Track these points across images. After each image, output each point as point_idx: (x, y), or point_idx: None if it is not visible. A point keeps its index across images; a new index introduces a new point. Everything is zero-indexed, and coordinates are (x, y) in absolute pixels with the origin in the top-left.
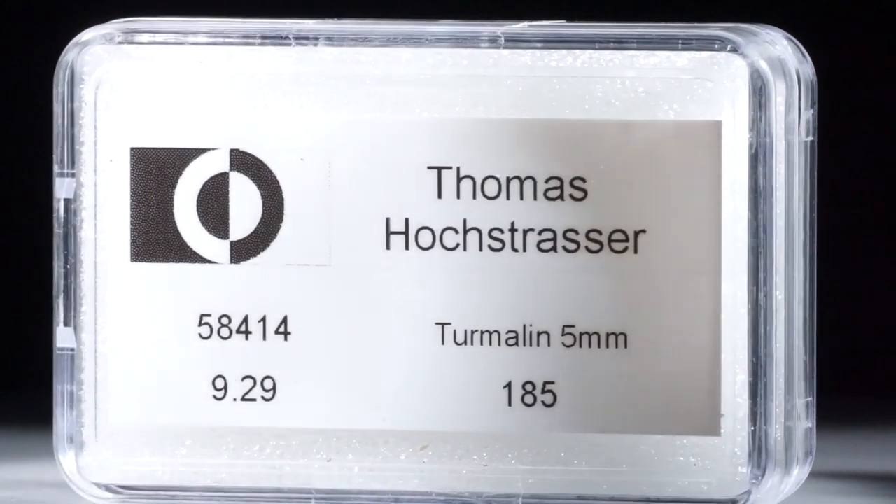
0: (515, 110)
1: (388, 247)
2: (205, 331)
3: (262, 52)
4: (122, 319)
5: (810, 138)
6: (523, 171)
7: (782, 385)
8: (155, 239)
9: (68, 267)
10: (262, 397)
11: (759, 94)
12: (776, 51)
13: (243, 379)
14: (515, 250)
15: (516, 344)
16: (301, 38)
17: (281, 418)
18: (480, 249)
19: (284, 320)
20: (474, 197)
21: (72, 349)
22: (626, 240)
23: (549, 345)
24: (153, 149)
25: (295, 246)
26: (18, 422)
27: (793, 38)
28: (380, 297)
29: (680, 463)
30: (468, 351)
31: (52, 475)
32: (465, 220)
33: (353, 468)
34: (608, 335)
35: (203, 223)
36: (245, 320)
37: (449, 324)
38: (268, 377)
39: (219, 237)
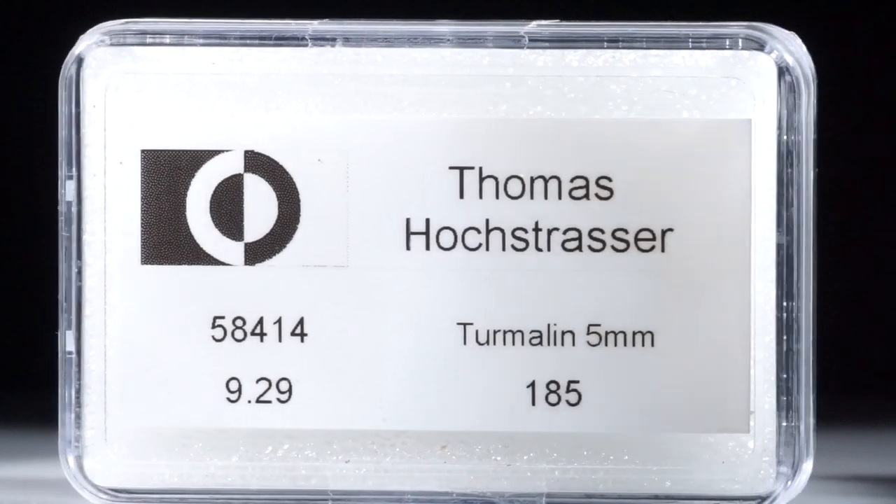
0: (539, 110)
1: (408, 247)
2: (218, 333)
3: (278, 53)
4: (132, 322)
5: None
6: (548, 171)
7: (810, 382)
8: (166, 241)
9: (76, 270)
10: (278, 399)
11: (788, 92)
12: (796, 49)
13: (258, 381)
14: (539, 250)
15: (540, 343)
16: (318, 39)
17: (297, 420)
18: (503, 249)
19: (301, 322)
20: (497, 197)
21: (79, 352)
22: (654, 238)
23: (573, 344)
24: (164, 151)
25: (312, 247)
26: (26, 424)
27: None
28: (399, 298)
29: (707, 461)
30: (491, 351)
31: (65, 480)
32: (487, 220)
33: (371, 469)
34: (635, 334)
35: (217, 225)
36: (260, 322)
37: (471, 324)
38: (283, 379)
39: (233, 239)
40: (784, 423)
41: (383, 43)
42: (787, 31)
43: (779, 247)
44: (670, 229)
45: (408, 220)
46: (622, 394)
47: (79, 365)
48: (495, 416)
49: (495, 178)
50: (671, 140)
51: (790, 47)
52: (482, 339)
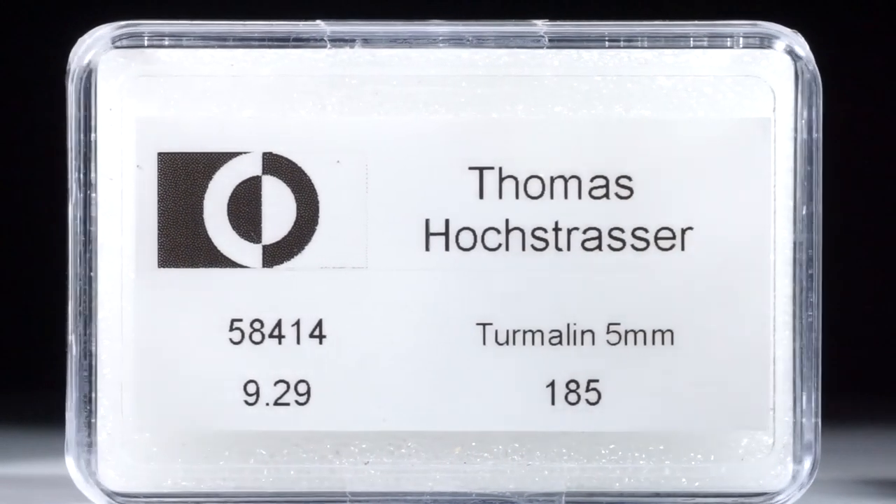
0: (557, 110)
1: (427, 248)
2: (236, 336)
3: (297, 54)
4: (149, 326)
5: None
6: (568, 171)
7: (820, 379)
8: (183, 244)
9: (91, 274)
10: (296, 401)
11: (805, 89)
12: (804, 47)
13: (276, 383)
14: (559, 250)
15: (560, 343)
16: (336, 40)
17: (316, 422)
18: (523, 249)
19: (319, 324)
20: (517, 197)
21: (93, 356)
22: (673, 237)
23: (593, 343)
24: (182, 153)
25: (331, 249)
26: (28, 426)
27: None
28: (419, 299)
29: (726, 457)
30: (510, 351)
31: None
32: (507, 221)
33: (390, 470)
34: (654, 332)
35: (234, 227)
36: (278, 325)
37: (490, 324)
38: (302, 381)
39: (251, 241)
40: (803, 420)
41: (402, 44)
42: (791, 30)
43: (797, 244)
44: (690, 228)
45: (427, 221)
46: (642, 392)
47: (91, 368)
48: (515, 415)
49: (515, 178)
50: (690, 139)
51: (800, 45)
52: (501, 339)
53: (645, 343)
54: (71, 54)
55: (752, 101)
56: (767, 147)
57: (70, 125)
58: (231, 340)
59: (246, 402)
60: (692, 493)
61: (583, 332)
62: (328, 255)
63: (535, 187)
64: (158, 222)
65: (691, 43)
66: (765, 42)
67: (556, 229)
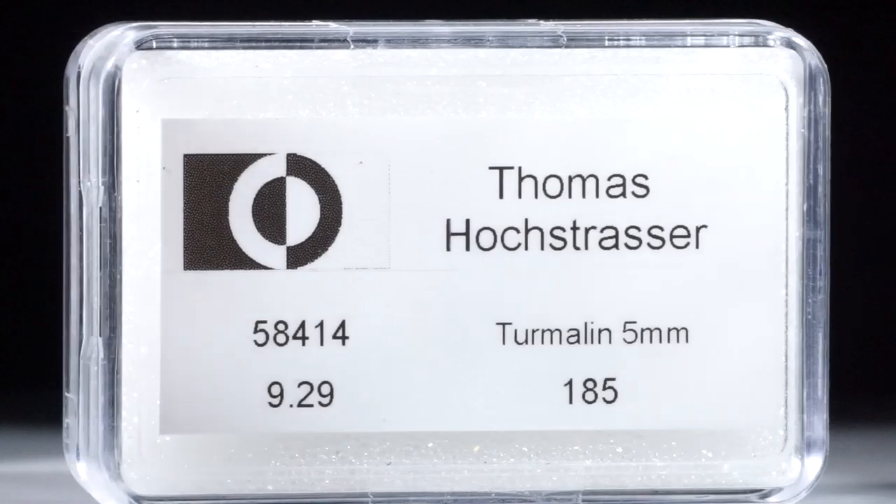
0: (575, 109)
1: (448, 248)
2: (260, 337)
3: (320, 55)
4: (174, 328)
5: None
6: (586, 170)
7: (827, 378)
8: (209, 246)
9: (115, 276)
10: (320, 403)
11: (815, 88)
12: (810, 46)
13: (300, 385)
14: (577, 248)
15: (577, 341)
16: (359, 41)
17: (339, 423)
18: (542, 248)
19: (342, 325)
20: (536, 196)
21: (115, 359)
22: (688, 235)
23: (610, 342)
24: (207, 155)
25: (354, 250)
26: (29, 427)
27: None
28: (440, 299)
29: (738, 454)
30: (529, 350)
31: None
32: (526, 220)
33: (411, 471)
34: (670, 330)
35: (259, 229)
36: (302, 326)
37: (510, 323)
38: (325, 382)
39: (275, 243)
40: (813, 417)
41: (423, 44)
42: (792, 30)
43: (808, 241)
44: (704, 226)
45: (448, 221)
46: (657, 390)
47: (113, 372)
48: (534, 414)
49: (534, 178)
50: (704, 137)
51: (807, 45)
52: (521, 338)
53: (660, 341)
54: (83, 55)
55: (763, 100)
56: (780, 145)
57: (94, 127)
58: (255, 342)
59: (270, 404)
60: (707, 490)
61: (600, 331)
62: (351, 255)
63: (553, 186)
64: (184, 224)
65: (704, 42)
66: (774, 41)
67: (574, 228)
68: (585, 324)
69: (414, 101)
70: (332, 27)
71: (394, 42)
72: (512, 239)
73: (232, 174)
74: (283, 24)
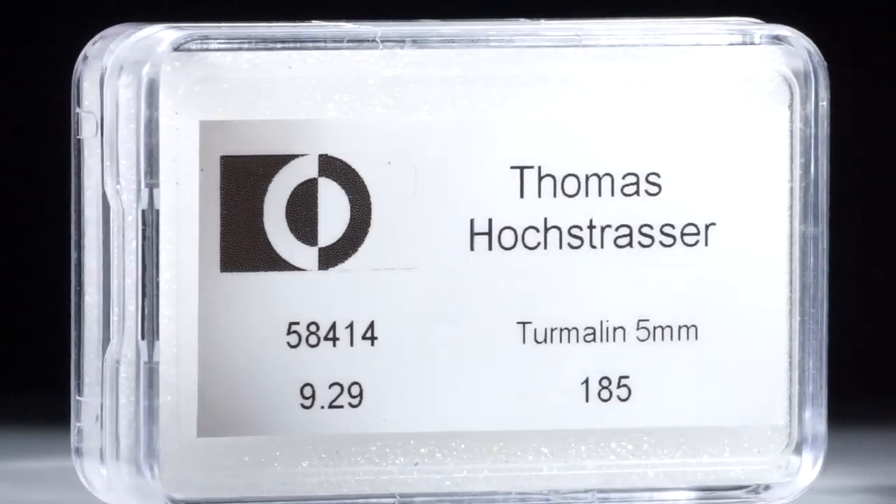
0: (591, 108)
1: (472, 248)
2: (293, 339)
3: (350, 56)
4: (210, 331)
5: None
6: (602, 168)
7: (826, 374)
8: (244, 248)
9: (156, 279)
10: (350, 404)
11: (816, 85)
12: (811, 44)
13: (330, 386)
14: (594, 247)
15: (594, 340)
16: (387, 41)
17: (368, 424)
18: (560, 247)
19: (371, 325)
20: (555, 195)
21: (157, 362)
22: (698, 233)
23: (624, 339)
24: (243, 157)
25: (382, 250)
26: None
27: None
28: (464, 299)
29: (747, 450)
30: (548, 349)
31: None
32: (545, 219)
33: (437, 471)
34: (680, 327)
35: (292, 230)
36: (333, 327)
37: (530, 322)
38: (355, 383)
39: (307, 244)
40: (814, 414)
41: (449, 44)
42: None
43: (807, 238)
44: (713, 223)
45: (472, 221)
46: (669, 387)
47: (151, 375)
48: (552, 413)
49: (553, 177)
50: (713, 135)
51: (809, 43)
52: (540, 337)
53: (672, 339)
54: (107, 58)
55: (768, 97)
56: (783, 142)
57: (127, 129)
58: (288, 344)
59: (302, 406)
60: (718, 487)
61: (614, 329)
62: (379, 256)
63: (571, 185)
64: (221, 226)
65: (711, 40)
66: (778, 39)
67: (591, 227)
68: (601, 322)
69: (438, 100)
70: (362, 28)
71: (420, 42)
72: (532, 238)
73: (266, 175)
74: (312, 24)
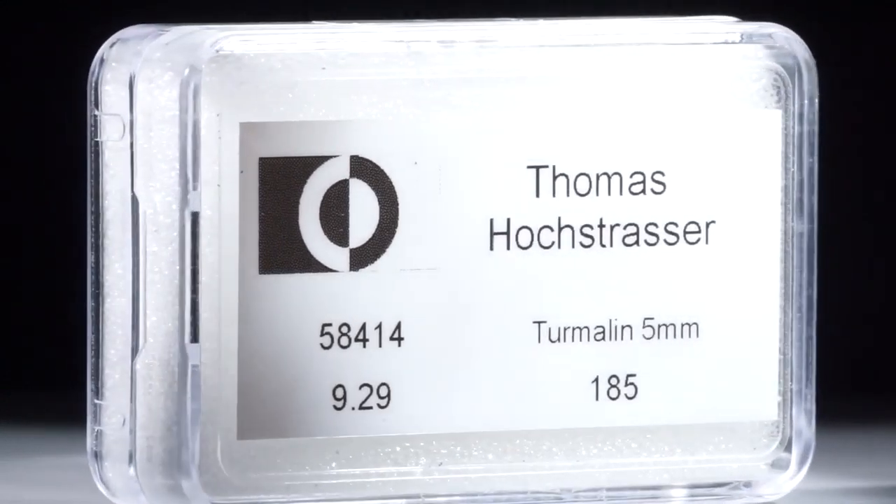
0: (600, 107)
1: (491, 248)
2: (326, 341)
3: (380, 57)
4: (250, 333)
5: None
6: (611, 168)
7: (814, 370)
8: (281, 249)
9: (200, 282)
10: (378, 405)
11: (808, 83)
12: (801, 43)
13: (361, 387)
14: (604, 246)
15: (603, 338)
16: (414, 41)
17: (396, 425)
18: (573, 246)
19: (398, 326)
20: (568, 195)
21: (198, 365)
22: (699, 231)
23: (631, 338)
24: (280, 158)
25: (408, 251)
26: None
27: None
28: (484, 299)
29: (742, 447)
30: (561, 348)
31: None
32: (559, 218)
33: (459, 471)
34: (683, 325)
35: (325, 231)
36: (363, 328)
37: (545, 321)
38: (383, 384)
39: (339, 245)
40: (803, 410)
41: (474, 44)
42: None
43: (798, 235)
44: (713, 221)
45: (491, 221)
46: (672, 385)
47: (194, 377)
48: (565, 412)
49: (566, 176)
50: (710, 133)
51: (800, 42)
52: (554, 336)
53: (675, 336)
54: (135, 61)
55: (762, 96)
56: (776, 139)
57: (167, 132)
58: (322, 345)
59: (335, 408)
60: (720, 483)
61: (622, 328)
62: (406, 256)
63: (583, 185)
64: (260, 228)
65: (707, 39)
66: (770, 37)
67: (601, 226)
68: (610, 320)
69: (460, 100)
70: (391, 28)
71: (445, 42)
72: (547, 237)
73: (302, 177)
74: (340, 24)
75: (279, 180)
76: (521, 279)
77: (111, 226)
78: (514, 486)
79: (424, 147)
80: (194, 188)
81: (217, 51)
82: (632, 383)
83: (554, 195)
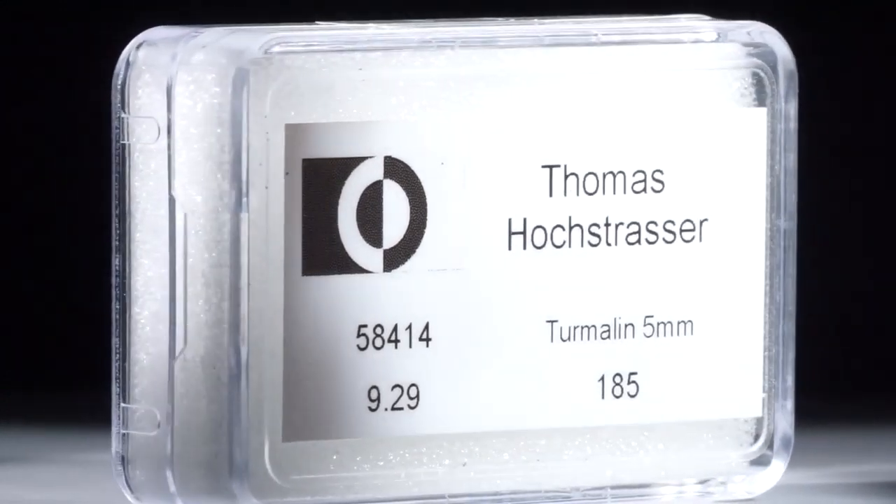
0: (609, 105)
1: (509, 247)
2: (362, 342)
3: (413, 57)
4: (295, 335)
5: None
6: (616, 166)
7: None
8: (322, 251)
9: (249, 285)
10: (409, 405)
11: (791, 81)
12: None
13: (393, 388)
14: (609, 244)
15: (608, 337)
16: (440, 40)
17: (425, 426)
18: (581, 245)
19: (426, 327)
20: (577, 194)
21: (245, 367)
22: (694, 229)
23: (633, 336)
24: (321, 160)
25: (436, 251)
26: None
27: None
28: (503, 298)
29: (729, 444)
30: (571, 346)
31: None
32: (570, 217)
33: (480, 470)
34: (679, 323)
35: (361, 232)
36: (395, 329)
37: (557, 321)
38: (413, 385)
39: (374, 246)
40: (785, 407)
41: (492, 44)
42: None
43: (781, 233)
44: (706, 220)
45: (510, 221)
46: (669, 382)
47: (241, 380)
48: (575, 411)
49: (576, 176)
50: (705, 132)
51: (782, 41)
52: (565, 335)
53: (672, 334)
54: (173, 63)
55: (747, 95)
56: (762, 137)
57: (213, 133)
58: (358, 347)
59: (369, 409)
60: (699, 481)
61: (626, 326)
62: (434, 257)
63: (591, 184)
64: (303, 229)
65: (694, 38)
66: (752, 36)
67: (607, 224)
68: (614, 319)
69: (482, 100)
70: (423, 29)
71: (468, 43)
72: (559, 237)
73: (341, 178)
74: (367, 24)
75: (320, 181)
76: (536, 278)
77: (140, 228)
78: (529, 485)
79: (450, 147)
80: (246, 191)
81: (266, 52)
82: (633, 381)
83: (565, 194)
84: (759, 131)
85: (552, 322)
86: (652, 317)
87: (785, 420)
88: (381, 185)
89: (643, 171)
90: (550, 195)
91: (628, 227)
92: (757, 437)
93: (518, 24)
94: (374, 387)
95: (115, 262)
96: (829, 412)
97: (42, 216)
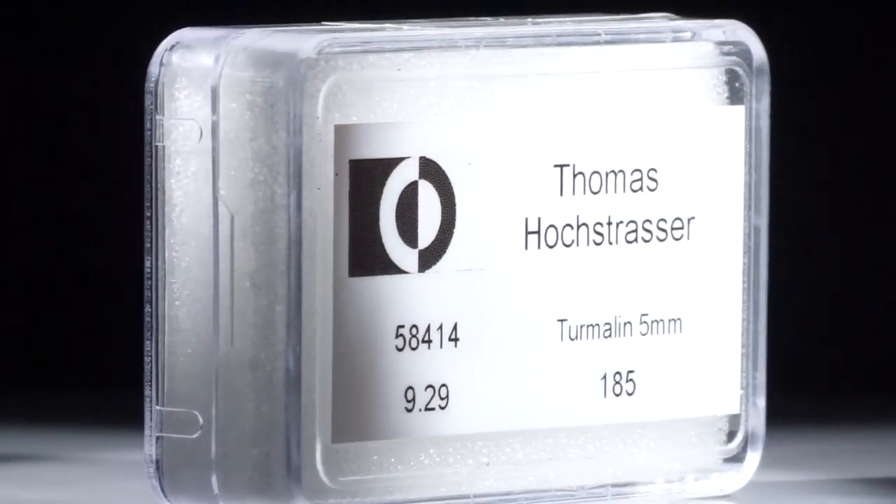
0: (612, 105)
1: (526, 247)
2: (399, 342)
3: (446, 58)
4: (343, 336)
5: None
6: (617, 165)
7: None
8: (366, 251)
9: (298, 288)
10: (440, 406)
11: (769, 80)
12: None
13: (426, 388)
14: (611, 243)
15: (610, 335)
16: (466, 39)
17: (455, 426)
18: (588, 244)
19: (455, 327)
20: (584, 193)
21: (298, 369)
22: (683, 227)
23: (631, 334)
24: (366, 160)
25: (463, 251)
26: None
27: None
28: (520, 298)
29: (711, 441)
30: (578, 345)
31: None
32: (577, 216)
33: (502, 469)
34: (670, 321)
35: (399, 233)
36: (428, 329)
37: (566, 319)
38: (443, 385)
39: (410, 246)
40: (759, 404)
41: (513, 44)
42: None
43: (756, 229)
44: (693, 218)
45: (526, 220)
46: (661, 380)
47: (291, 382)
48: (577, 410)
49: (584, 175)
50: (691, 130)
51: (756, 39)
52: (573, 334)
53: (664, 332)
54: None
55: (729, 93)
56: (740, 136)
57: (266, 136)
58: (396, 347)
59: (406, 409)
60: (678, 478)
61: (625, 324)
62: (461, 257)
63: (596, 183)
64: (350, 230)
65: (673, 37)
66: (732, 35)
67: (609, 223)
68: (615, 317)
69: (501, 100)
70: (460, 29)
71: (493, 43)
72: (568, 236)
73: (382, 179)
74: (402, 24)
75: (365, 182)
76: (549, 277)
77: (177, 230)
78: (540, 484)
79: (477, 147)
80: (300, 192)
81: (320, 53)
82: (631, 379)
83: (573, 193)
84: (738, 129)
85: (562, 321)
86: (647, 315)
87: (760, 417)
88: (417, 186)
89: (640, 170)
90: (561, 194)
91: (627, 225)
92: (736, 435)
93: (518, 24)
94: (410, 387)
95: (147, 264)
96: (807, 408)
97: (72, 217)
